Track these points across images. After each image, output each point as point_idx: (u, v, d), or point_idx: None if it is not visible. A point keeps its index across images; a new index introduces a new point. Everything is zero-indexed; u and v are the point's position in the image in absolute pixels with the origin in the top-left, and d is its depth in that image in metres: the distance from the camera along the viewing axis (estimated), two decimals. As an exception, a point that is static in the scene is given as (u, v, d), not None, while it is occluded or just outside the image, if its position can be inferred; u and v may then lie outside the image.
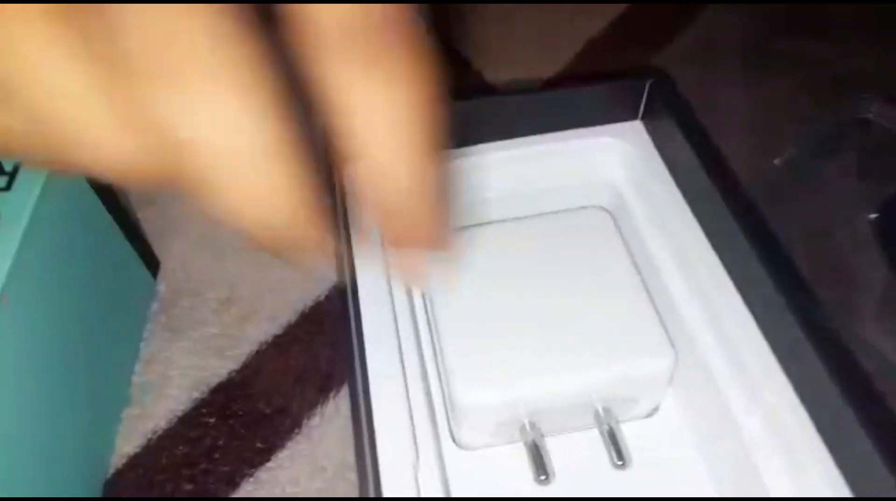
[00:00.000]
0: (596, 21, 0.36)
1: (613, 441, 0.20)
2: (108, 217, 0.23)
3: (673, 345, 0.21)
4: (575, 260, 0.22)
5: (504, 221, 0.24)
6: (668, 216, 0.23)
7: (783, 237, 0.27)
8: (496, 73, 0.34)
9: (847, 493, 0.17)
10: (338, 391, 0.25)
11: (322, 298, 0.27)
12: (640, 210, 0.24)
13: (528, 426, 0.21)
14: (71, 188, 0.21)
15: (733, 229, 0.21)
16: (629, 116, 0.25)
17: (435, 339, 0.22)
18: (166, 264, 0.28)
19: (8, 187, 0.19)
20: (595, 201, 0.26)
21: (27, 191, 0.19)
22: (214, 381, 0.25)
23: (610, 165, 0.25)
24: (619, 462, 0.20)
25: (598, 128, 0.25)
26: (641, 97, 0.25)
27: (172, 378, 0.25)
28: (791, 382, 0.19)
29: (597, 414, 0.21)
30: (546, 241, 0.23)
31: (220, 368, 0.25)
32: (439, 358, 0.22)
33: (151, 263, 0.27)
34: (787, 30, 0.35)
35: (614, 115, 0.25)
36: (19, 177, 0.19)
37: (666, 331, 0.21)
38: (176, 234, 0.28)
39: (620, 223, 0.24)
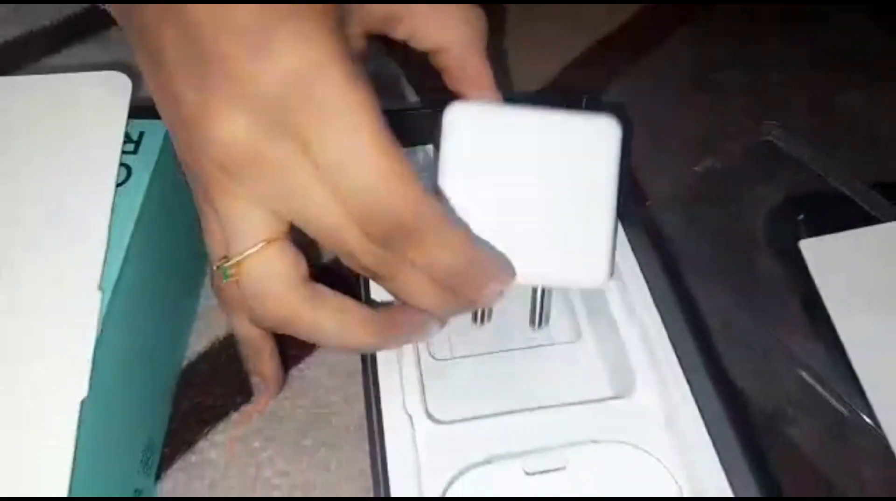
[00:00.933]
0: (577, 44, 0.44)
1: (534, 306, 0.26)
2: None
3: (610, 268, 0.24)
4: (566, 160, 0.24)
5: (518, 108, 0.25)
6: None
7: (695, 233, 0.35)
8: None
9: (684, 382, 0.25)
10: (351, 320, 0.34)
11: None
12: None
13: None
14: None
15: (632, 214, 0.29)
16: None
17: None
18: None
19: (135, 152, 0.28)
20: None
21: (148, 154, 0.28)
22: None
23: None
24: (536, 324, 0.26)
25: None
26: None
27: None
28: (661, 317, 0.27)
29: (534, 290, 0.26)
30: (549, 134, 0.24)
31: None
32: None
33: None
34: (727, 63, 0.44)
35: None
36: (143, 143, 0.28)
37: (610, 253, 0.24)
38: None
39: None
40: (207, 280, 0.34)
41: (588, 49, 0.44)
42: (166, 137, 0.29)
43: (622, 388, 0.27)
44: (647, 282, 0.28)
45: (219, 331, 0.33)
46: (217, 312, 0.33)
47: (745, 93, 0.41)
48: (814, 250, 0.33)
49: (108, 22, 0.45)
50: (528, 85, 0.43)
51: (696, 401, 0.24)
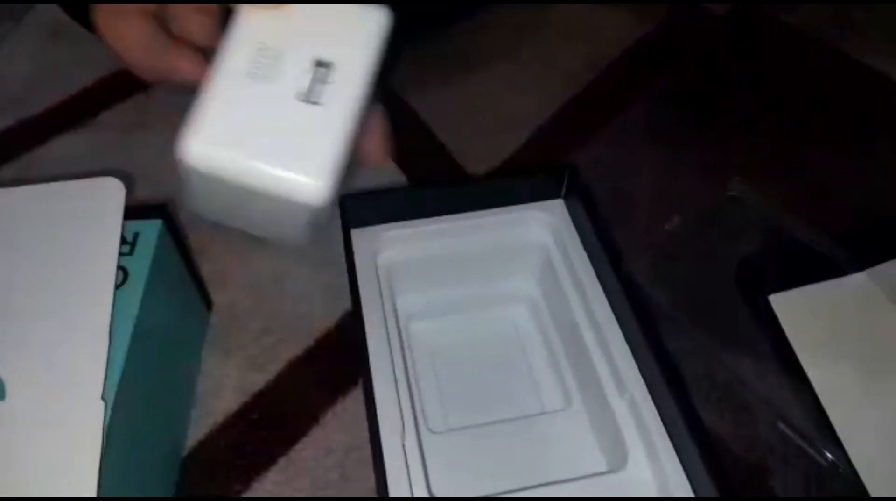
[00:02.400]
0: (543, 110, 0.46)
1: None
2: (185, 271, 0.33)
3: (331, 182, 0.24)
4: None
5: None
6: (578, 269, 0.33)
7: (669, 289, 0.37)
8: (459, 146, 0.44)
9: (674, 454, 0.26)
10: (344, 396, 0.34)
11: (333, 328, 0.37)
12: (560, 264, 0.34)
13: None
14: (167, 252, 0.31)
15: (613, 281, 0.31)
16: (555, 195, 0.35)
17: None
18: (218, 304, 0.37)
19: (131, 253, 0.29)
20: (528, 259, 0.36)
21: (144, 255, 0.29)
22: (256, 389, 0.34)
23: (539, 232, 0.35)
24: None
25: (532, 204, 0.35)
26: (563, 184, 0.35)
27: (226, 387, 0.34)
28: (647, 386, 0.28)
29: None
30: None
31: (260, 379, 0.34)
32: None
33: (207, 303, 0.36)
34: (688, 121, 0.46)
35: (545, 194, 0.35)
36: (137, 244, 0.29)
37: (335, 168, 0.24)
38: (225, 282, 0.38)
39: (548, 271, 0.34)
40: (203, 368, 0.35)
41: (550, 118, 0.46)
42: (160, 236, 0.30)
43: (615, 461, 0.28)
44: (631, 347, 0.30)
45: (216, 417, 0.33)
46: (211, 397, 0.33)
47: (701, 149, 0.44)
48: (783, 303, 0.34)
49: (95, 110, 0.46)
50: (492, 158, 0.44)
51: (686, 470, 0.25)
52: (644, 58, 0.49)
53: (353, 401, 0.34)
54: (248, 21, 0.26)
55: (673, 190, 0.41)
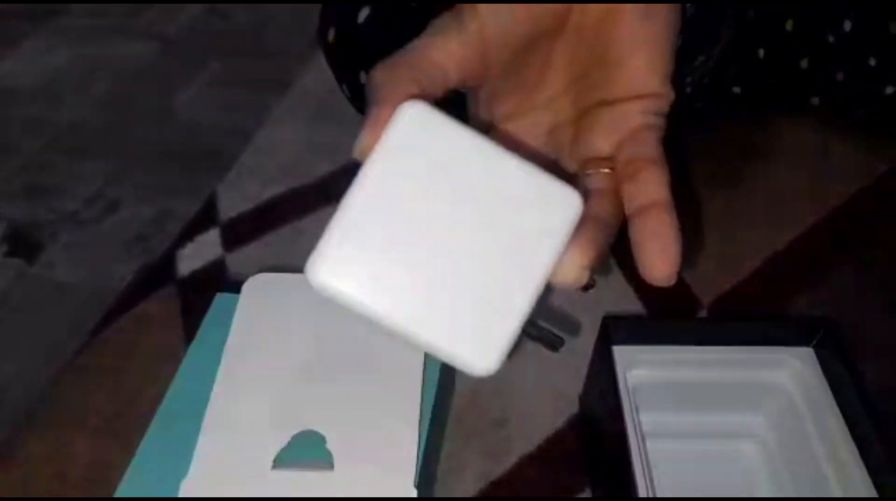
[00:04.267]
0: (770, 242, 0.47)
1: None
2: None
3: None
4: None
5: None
6: (828, 422, 0.33)
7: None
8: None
9: None
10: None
11: (560, 431, 0.39)
12: (805, 412, 0.34)
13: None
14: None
15: (873, 441, 0.31)
16: (805, 343, 0.36)
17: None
18: (458, 390, 0.40)
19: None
20: (768, 401, 0.36)
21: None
22: (492, 478, 0.37)
23: (784, 376, 0.36)
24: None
25: (780, 348, 0.36)
26: (816, 333, 0.36)
27: (467, 471, 0.37)
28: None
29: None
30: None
31: (496, 469, 0.37)
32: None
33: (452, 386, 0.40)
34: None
35: (795, 341, 0.36)
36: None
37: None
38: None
39: (788, 417, 0.35)
40: (447, 445, 0.37)
41: (781, 251, 0.47)
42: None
43: None
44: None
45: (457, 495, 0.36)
46: (453, 478, 0.36)
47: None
48: None
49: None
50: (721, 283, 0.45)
51: None
52: (876, 200, 0.49)
53: (578, 503, 0.36)
54: None
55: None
